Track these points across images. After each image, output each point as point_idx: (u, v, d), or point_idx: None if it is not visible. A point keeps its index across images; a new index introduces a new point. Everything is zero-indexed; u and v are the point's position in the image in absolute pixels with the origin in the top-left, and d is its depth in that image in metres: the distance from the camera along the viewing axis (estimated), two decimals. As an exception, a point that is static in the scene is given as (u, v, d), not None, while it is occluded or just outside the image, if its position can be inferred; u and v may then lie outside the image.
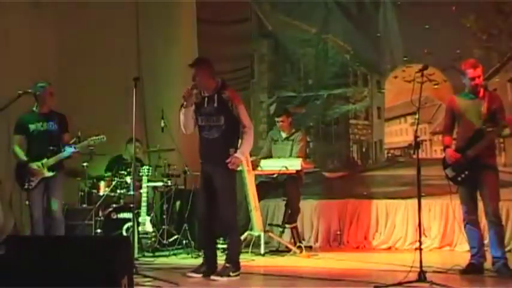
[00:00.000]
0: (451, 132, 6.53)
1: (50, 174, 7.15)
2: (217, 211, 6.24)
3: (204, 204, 6.37)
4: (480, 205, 6.39)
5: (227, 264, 6.20)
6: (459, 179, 6.30)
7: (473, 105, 6.28)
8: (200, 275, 6.24)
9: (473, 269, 6.27)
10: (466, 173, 6.24)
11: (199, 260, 6.64)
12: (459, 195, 6.44)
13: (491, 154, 6.36)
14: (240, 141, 6.36)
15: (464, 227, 6.46)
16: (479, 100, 6.27)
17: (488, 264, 6.35)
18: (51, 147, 7.19)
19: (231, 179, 6.29)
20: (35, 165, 7.14)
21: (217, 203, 6.22)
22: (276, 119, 8.77)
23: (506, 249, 6.65)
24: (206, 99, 6.33)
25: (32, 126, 7.27)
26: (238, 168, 7.80)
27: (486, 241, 6.49)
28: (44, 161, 7.14)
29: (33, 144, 7.30)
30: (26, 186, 7.15)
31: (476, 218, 6.40)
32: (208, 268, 6.32)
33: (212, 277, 6.11)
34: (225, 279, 6.04)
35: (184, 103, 6.26)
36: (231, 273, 6.12)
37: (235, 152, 6.23)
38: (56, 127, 7.30)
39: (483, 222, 6.53)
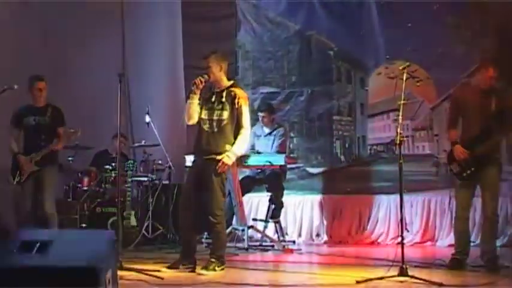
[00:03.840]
0: (457, 125, 6.51)
1: (36, 168, 7.15)
2: (204, 205, 6.24)
3: (190, 196, 6.33)
4: (474, 200, 6.52)
5: (212, 259, 6.17)
6: (464, 174, 6.31)
7: (483, 101, 6.26)
8: (174, 270, 6.17)
9: (456, 264, 6.32)
10: (472, 169, 6.25)
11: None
12: (457, 190, 6.49)
13: (496, 149, 6.39)
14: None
15: (455, 222, 6.54)
16: (488, 97, 6.26)
17: (470, 259, 6.42)
18: (42, 142, 7.20)
19: (222, 173, 6.24)
20: (22, 159, 7.15)
21: (205, 197, 6.22)
22: (259, 114, 8.79)
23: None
24: (215, 94, 6.33)
25: (25, 120, 7.28)
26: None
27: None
28: (33, 155, 7.14)
29: (27, 138, 7.31)
30: (17, 179, 7.15)
31: (468, 214, 6.48)
32: (188, 262, 6.27)
33: (198, 271, 6.10)
34: (210, 273, 6.02)
35: (194, 89, 6.24)
36: (216, 268, 6.11)
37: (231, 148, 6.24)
38: (49, 121, 7.30)
39: (473, 218, 6.60)
